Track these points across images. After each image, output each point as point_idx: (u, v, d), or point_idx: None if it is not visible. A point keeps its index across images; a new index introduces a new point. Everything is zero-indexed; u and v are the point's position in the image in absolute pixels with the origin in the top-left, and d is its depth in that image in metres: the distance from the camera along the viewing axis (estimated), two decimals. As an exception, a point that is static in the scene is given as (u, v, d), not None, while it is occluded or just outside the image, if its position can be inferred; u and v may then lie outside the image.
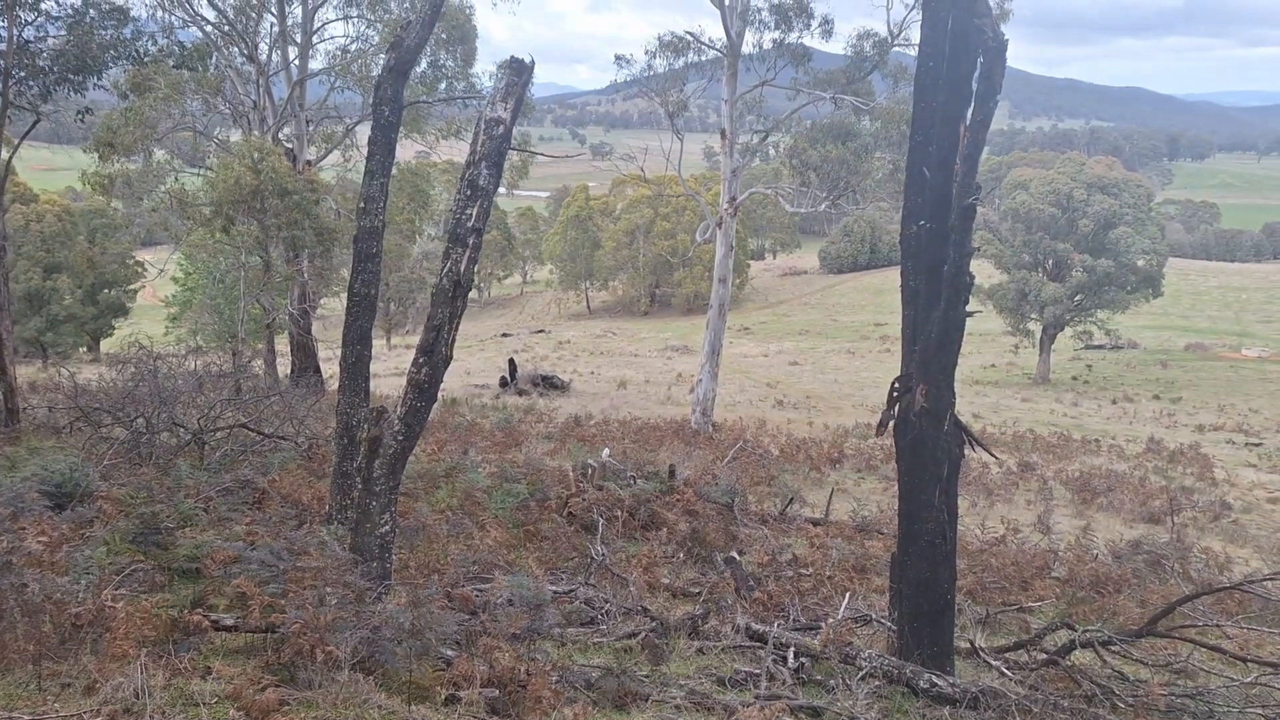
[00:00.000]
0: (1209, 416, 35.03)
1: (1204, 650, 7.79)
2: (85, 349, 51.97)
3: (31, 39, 13.98)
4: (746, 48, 22.03)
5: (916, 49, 7.77)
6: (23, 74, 13.85)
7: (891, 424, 7.38)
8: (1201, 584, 10.14)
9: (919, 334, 7.15)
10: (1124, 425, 31.75)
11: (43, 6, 14.15)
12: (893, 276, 7.34)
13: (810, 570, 9.73)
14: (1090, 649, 7.54)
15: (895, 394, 7.31)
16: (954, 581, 7.32)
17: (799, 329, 69.45)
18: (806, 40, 23.03)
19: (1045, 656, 7.57)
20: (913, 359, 7.19)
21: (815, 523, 12.55)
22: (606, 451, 12.23)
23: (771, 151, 27.07)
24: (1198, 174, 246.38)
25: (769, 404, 31.21)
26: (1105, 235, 43.58)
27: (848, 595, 8.53)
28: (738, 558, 9.52)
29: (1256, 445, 28.39)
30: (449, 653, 6.18)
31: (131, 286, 53.37)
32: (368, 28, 27.29)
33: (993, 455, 8.51)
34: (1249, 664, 7.48)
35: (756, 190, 27.91)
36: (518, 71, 7.35)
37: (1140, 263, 44.76)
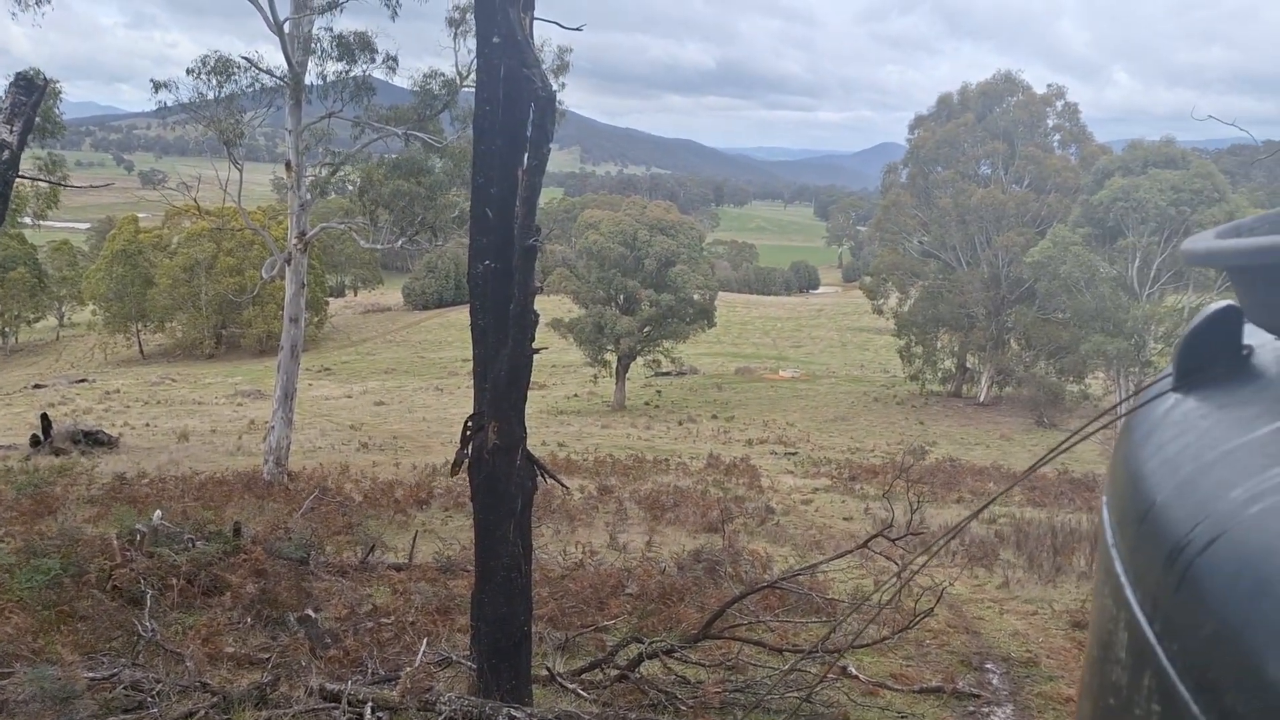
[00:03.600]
0: (756, 431, 39.79)
1: (751, 645, 8.69)
2: None
3: None
4: (310, 78, 21.11)
5: (476, 93, 7.88)
6: None
7: (466, 462, 7.39)
8: (749, 584, 11.31)
9: (489, 372, 7.23)
10: (689, 444, 34.92)
11: None
12: (477, 313, 7.38)
13: (392, 618, 9.43)
14: (657, 659, 8.08)
15: (468, 432, 7.33)
16: (530, 613, 7.46)
17: (384, 367, 68.03)
18: (377, 74, 22.69)
19: (617, 672, 7.97)
20: (484, 397, 7.26)
21: (399, 568, 12.22)
22: (159, 513, 10.97)
23: (348, 186, 26.20)
24: (739, 218, 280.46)
25: (353, 448, 30.10)
26: (666, 272, 47.94)
27: (425, 640, 8.38)
28: (313, 615, 8.97)
29: (793, 454, 32.67)
30: (-58, 778, 5.14)
31: None
32: None
33: (563, 485, 8.85)
34: (785, 653, 8.47)
35: (330, 225, 26.86)
36: (27, 90, 6.46)
37: (696, 297, 49.81)
